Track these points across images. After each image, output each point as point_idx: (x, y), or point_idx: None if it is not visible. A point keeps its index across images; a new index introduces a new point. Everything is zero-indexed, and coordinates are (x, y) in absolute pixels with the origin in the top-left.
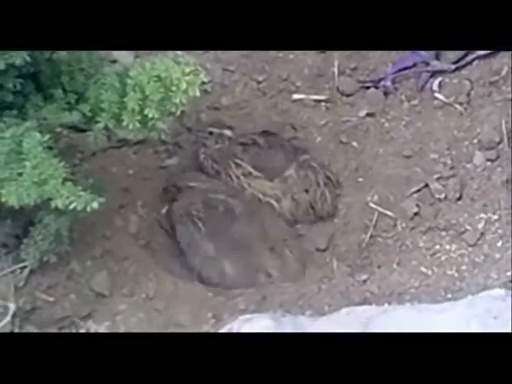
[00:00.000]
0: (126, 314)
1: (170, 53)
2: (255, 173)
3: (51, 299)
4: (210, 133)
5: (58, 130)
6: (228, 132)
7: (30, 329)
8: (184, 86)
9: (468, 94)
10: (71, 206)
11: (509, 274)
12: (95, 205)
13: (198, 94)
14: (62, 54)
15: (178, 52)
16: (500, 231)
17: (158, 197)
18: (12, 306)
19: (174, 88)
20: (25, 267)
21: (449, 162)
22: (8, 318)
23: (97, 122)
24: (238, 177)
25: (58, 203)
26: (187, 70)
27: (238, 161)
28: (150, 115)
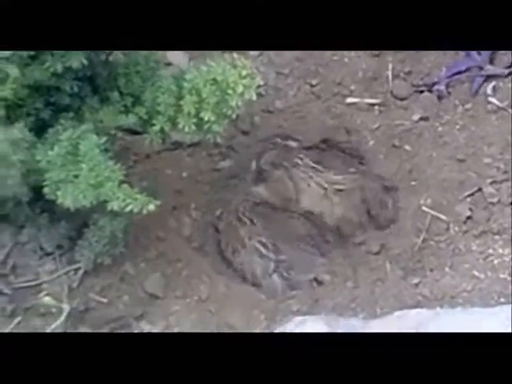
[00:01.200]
0: (178, 316)
1: (226, 55)
2: (315, 175)
3: (105, 300)
4: (274, 143)
5: (113, 132)
6: (293, 143)
7: (84, 329)
8: (240, 89)
9: None
10: (127, 209)
11: None
12: (151, 207)
13: (254, 97)
14: (119, 57)
15: (234, 55)
16: None
17: (212, 199)
18: (66, 307)
19: (230, 91)
20: (79, 269)
21: (502, 166)
22: (62, 318)
23: (153, 125)
24: (296, 180)
25: (114, 205)
26: (244, 72)
27: (299, 162)
28: (206, 118)
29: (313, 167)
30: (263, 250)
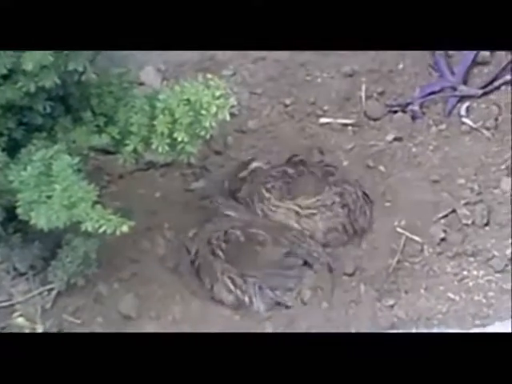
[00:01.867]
0: None
1: (199, 76)
2: (286, 200)
3: (78, 321)
4: (243, 163)
5: (85, 152)
6: (261, 164)
7: None
8: (214, 109)
9: (496, 119)
10: (101, 230)
11: None
12: (125, 228)
13: (227, 117)
14: (92, 77)
15: (208, 75)
16: None
17: (185, 220)
18: (40, 328)
19: (203, 111)
20: (52, 289)
21: (476, 187)
22: None
23: (126, 145)
24: (266, 204)
25: (88, 226)
26: (217, 93)
27: (268, 187)
28: (180, 138)
29: (280, 198)
30: (236, 278)
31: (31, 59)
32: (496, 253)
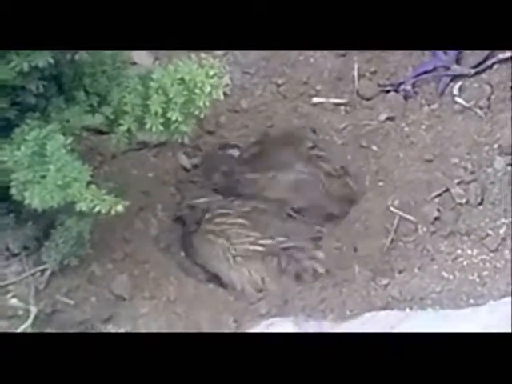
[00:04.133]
0: (146, 318)
1: (193, 55)
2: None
3: (72, 302)
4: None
5: (78, 132)
6: (235, 152)
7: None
8: (208, 88)
9: (488, 99)
10: (95, 210)
11: None
12: (120, 208)
13: (221, 96)
14: (85, 56)
15: (201, 54)
16: None
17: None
18: (33, 309)
19: (197, 91)
20: (45, 270)
21: (469, 166)
22: (30, 321)
23: (120, 125)
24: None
25: (83, 206)
26: (211, 72)
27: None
28: (174, 118)
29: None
30: (230, 255)
31: None
32: (490, 232)
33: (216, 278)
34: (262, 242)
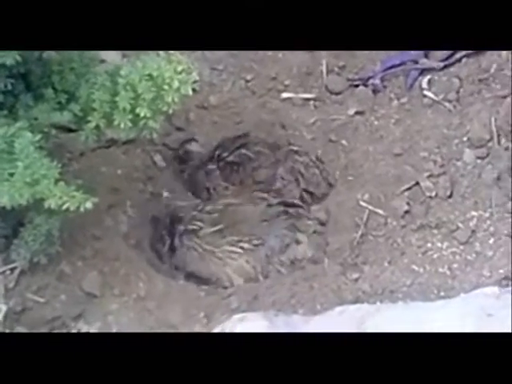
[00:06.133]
0: (117, 315)
1: (161, 52)
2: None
3: (42, 300)
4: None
5: (46, 130)
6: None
7: (21, 330)
8: (176, 84)
9: (457, 92)
10: (64, 207)
11: (501, 271)
12: (89, 205)
13: (190, 92)
14: (53, 54)
15: (170, 51)
16: (491, 229)
17: (147, 196)
18: (3, 307)
19: (166, 87)
20: (15, 268)
21: (439, 159)
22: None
23: (88, 122)
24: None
25: (51, 203)
26: (179, 68)
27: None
28: (142, 114)
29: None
30: (199, 249)
31: None
32: (460, 225)
33: (194, 277)
34: (241, 243)
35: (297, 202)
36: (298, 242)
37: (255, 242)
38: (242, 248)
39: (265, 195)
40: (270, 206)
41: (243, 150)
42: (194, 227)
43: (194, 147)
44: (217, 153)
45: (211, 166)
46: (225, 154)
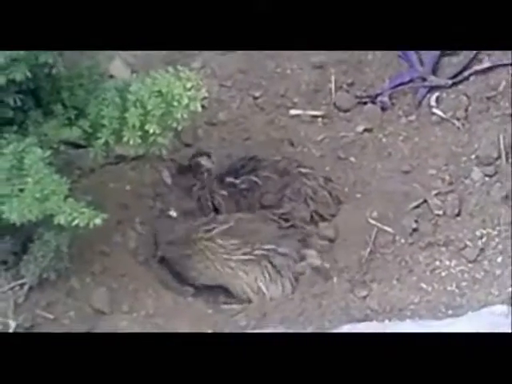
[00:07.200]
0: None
1: (170, 68)
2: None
3: (51, 316)
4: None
5: (56, 146)
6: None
7: None
8: (185, 101)
9: (466, 110)
10: (74, 223)
11: (510, 290)
12: (98, 221)
13: (199, 109)
14: (62, 70)
15: (178, 67)
16: (500, 247)
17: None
18: (12, 323)
19: (175, 103)
20: (24, 284)
21: (447, 177)
22: None
23: (97, 138)
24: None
25: (61, 219)
26: (188, 84)
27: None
28: (151, 131)
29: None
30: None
31: (1, 52)
32: (468, 243)
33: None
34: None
35: (306, 221)
36: (306, 259)
37: (264, 258)
38: (250, 264)
39: (275, 217)
40: (279, 226)
41: (252, 177)
42: (204, 242)
43: (205, 161)
44: (227, 179)
45: (221, 192)
46: (234, 180)
